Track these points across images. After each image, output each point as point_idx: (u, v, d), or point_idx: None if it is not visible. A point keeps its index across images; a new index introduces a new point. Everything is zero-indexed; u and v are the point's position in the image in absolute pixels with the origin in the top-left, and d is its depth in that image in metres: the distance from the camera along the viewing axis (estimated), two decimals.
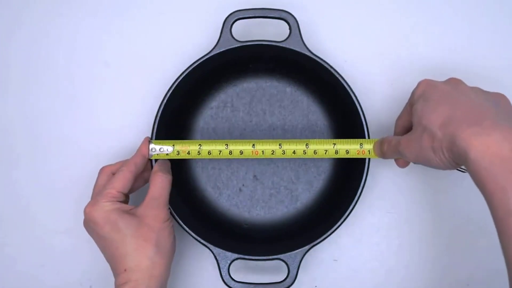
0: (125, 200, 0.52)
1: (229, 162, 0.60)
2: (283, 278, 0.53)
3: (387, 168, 0.61)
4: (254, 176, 0.60)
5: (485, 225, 0.60)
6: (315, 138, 0.60)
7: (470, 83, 0.48)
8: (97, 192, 0.52)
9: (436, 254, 0.60)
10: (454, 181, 0.61)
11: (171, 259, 0.51)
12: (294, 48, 0.55)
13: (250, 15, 0.56)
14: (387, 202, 0.61)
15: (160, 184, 0.51)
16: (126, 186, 0.51)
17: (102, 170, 0.54)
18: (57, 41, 0.63)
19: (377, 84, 0.62)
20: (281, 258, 0.53)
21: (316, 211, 0.59)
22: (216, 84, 0.60)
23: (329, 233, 0.53)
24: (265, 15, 0.56)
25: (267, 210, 0.60)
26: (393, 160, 0.53)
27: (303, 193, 0.60)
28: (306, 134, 0.60)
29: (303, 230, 0.57)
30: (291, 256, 0.53)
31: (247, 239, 0.58)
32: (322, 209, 0.59)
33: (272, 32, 0.59)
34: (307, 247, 0.53)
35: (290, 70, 0.60)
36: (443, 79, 0.49)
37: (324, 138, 0.60)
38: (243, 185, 0.60)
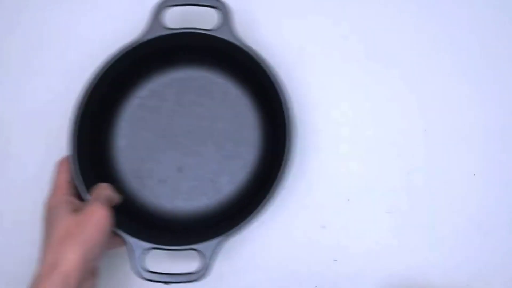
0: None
1: (152, 152, 0.58)
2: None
3: (387, 168, 0.60)
4: (178, 167, 0.58)
5: (486, 225, 0.60)
6: (243, 130, 0.59)
7: None
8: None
9: (436, 254, 0.59)
10: (454, 181, 0.60)
11: (92, 262, 0.47)
12: (223, 37, 0.54)
13: (180, 3, 0.55)
14: (386, 202, 0.60)
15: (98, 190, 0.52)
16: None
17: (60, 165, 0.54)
18: None
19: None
20: (195, 247, 0.51)
21: (239, 203, 0.57)
22: (144, 73, 0.59)
23: (243, 223, 0.51)
24: (196, 3, 0.55)
25: (189, 202, 0.58)
26: (392, 160, 0.53)
27: (226, 185, 0.58)
28: (235, 126, 0.59)
29: (222, 221, 0.56)
30: (205, 246, 0.51)
31: (167, 230, 0.56)
32: (243, 201, 0.57)
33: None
34: (221, 237, 0.51)
35: (221, 60, 0.58)
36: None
37: (253, 130, 0.59)
38: (166, 176, 0.58)
